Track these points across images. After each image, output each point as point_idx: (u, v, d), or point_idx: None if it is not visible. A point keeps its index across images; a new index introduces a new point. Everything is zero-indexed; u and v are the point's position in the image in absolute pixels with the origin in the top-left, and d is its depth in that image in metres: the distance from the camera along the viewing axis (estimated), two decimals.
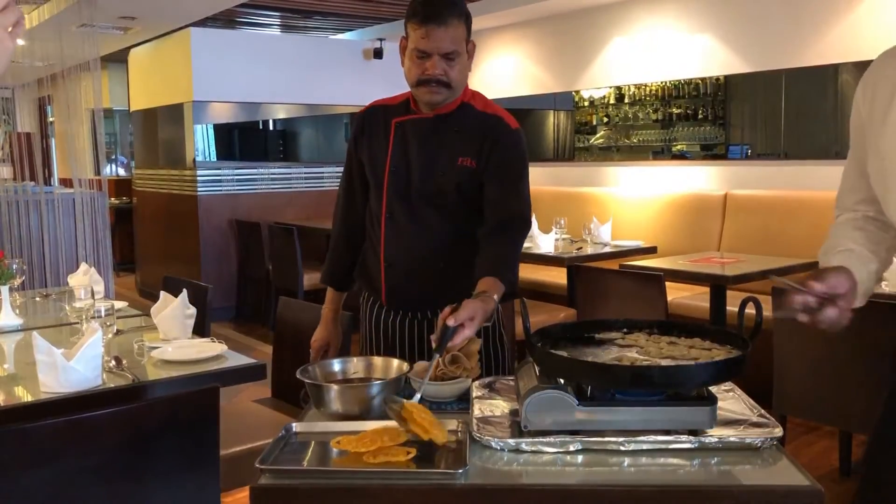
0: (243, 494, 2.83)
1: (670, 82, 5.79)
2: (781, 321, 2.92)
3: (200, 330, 2.89)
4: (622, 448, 1.34)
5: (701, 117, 5.68)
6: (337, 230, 2.23)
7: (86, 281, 3.09)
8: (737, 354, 1.40)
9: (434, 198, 2.00)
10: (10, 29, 1.00)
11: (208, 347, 2.45)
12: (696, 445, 1.34)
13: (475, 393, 1.61)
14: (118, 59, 8.22)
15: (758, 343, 1.46)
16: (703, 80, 5.59)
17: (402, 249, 2.03)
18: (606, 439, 1.34)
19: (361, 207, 2.15)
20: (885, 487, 1.26)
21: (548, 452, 1.35)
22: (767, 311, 1.49)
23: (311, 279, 5.98)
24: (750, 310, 1.43)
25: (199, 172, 6.63)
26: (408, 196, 2.01)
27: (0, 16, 1.00)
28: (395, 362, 1.66)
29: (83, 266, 3.34)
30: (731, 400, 1.54)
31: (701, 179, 5.48)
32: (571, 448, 1.35)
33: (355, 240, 2.19)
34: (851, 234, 1.52)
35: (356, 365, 1.68)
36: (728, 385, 1.60)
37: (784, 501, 1.24)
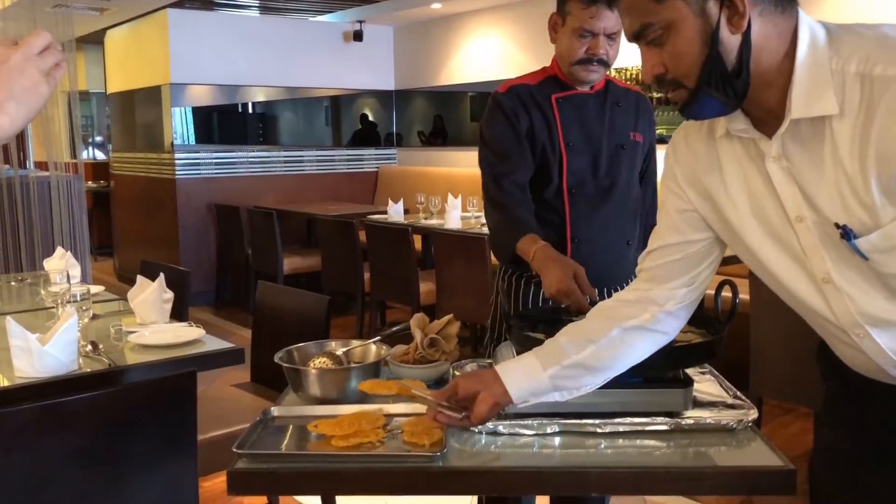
0: (222, 479, 2.82)
1: None
2: (757, 303, 2.95)
3: (179, 314, 2.87)
4: (599, 430, 1.35)
5: None
6: (508, 188, 2.00)
7: (62, 265, 3.05)
8: (712, 337, 1.41)
9: (621, 171, 2.03)
10: (48, 72, 0.95)
11: (186, 332, 2.44)
12: (672, 427, 1.35)
13: (453, 376, 1.61)
14: (94, 40, 8.09)
15: (735, 326, 1.47)
16: None
17: (593, 225, 2.02)
18: (583, 421, 1.35)
19: (529, 173, 2.03)
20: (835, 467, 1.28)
21: (525, 435, 1.36)
22: (744, 294, 1.50)
23: (290, 263, 5.96)
24: (727, 293, 1.44)
25: (177, 156, 6.57)
26: (595, 170, 2.02)
27: (39, 58, 0.94)
28: (374, 346, 1.66)
29: (59, 250, 3.30)
30: (707, 382, 1.55)
31: None
32: (549, 430, 1.36)
33: (529, 196, 2.04)
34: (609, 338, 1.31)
35: (335, 348, 1.68)
36: (704, 367, 1.62)
37: (758, 482, 1.26)
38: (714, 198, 1.23)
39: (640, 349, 1.32)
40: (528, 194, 2.02)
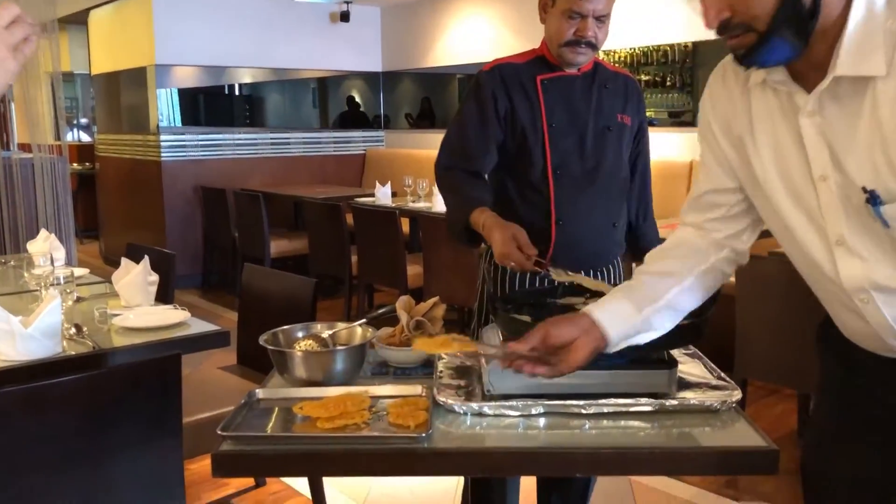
0: (208, 461, 2.82)
1: (639, 48, 5.78)
2: (743, 286, 2.96)
3: (164, 297, 2.86)
4: (584, 411, 1.35)
5: (669, 84, 5.69)
6: (461, 175, 2.03)
7: (45, 248, 3.03)
8: (697, 319, 1.41)
9: (607, 153, 2.03)
10: (17, 47, 0.90)
11: (171, 314, 2.43)
12: (657, 408, 1.35)
13: (439, 358, 1.61)
14: (78, 21, 7.98)
15: (720, 308, 1.47)
16: (671, 46, 5.58)
17: (578, 206, 2.01)
18: (568, 402, 1.35)
19: (490, 165, 2.06)
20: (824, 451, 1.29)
21: (510, 416, 1.36)
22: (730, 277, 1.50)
23: (277, 246, 5.94)
24: None
25: (162, 138, 6.52)
26: (581, 152, 2.01)
27: (6, 32, 0.89)
28: (360, 329, 1.65)
29: (43, 233, 3.28)
30: (691, 364, 1.56)
31: (668, 146, 5.50)
32: (534, 412, 1.36)
33: (485, 181, 2.07)
34: (676, 264, 1.34)
35: (321, 331, 1.67)
36: (689, 349, 1.62)
37: (741, 462, 1.27)
38: (743, 145, 1.22)
39: (710, 289, 1.35)
40: (483, 180, 2.04)
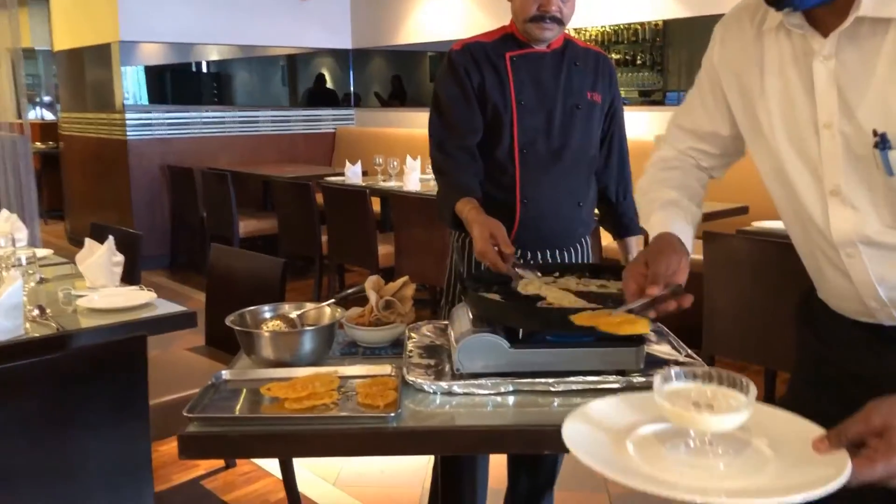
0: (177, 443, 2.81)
1: (610, 27, 5.78)
2: (711, 264, 2.99)
3: (130, 278, 2.82)
4: (552, 389, 1.35)
5: (640, 63, 5.70)
6: (454, 154, 2.01)
7: (7, 228, 2.96)
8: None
9: (574, 132, 2.01)
10: None
11: (137, 295, 2.39)
12: (624, 385, 1.36)
13: (409, 337, 1.61)
14: None
15: (688, 285, 1.48)
16: (641, 25, 5.59)
17: (543, 185, 1.99)
18: (536, 380, 1.36)
19: (477, 137, 2.03)
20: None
21: (480, 394, 1.36)
22: (696, 254, 1.51)
23: (246, 226, 5.88)
24: None
25: (128, 116, 6.41)
26: (548, 130, 1.99)
27: None
28: (328, 309, 1.64)
29: (4, 213, 3.21)
30: (659, 341, 1.57)
31: (639, 125, 5.52)
32: (503, 389, 1.36)
33: (478, 160, 2.03)
34: (679, 181, 1.41)
35: (288, 311, 1.65)
36: (656, 326, 1.63)
37: None
38: (747, 92, 1.23)
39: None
40: (477, 158, 2.01)
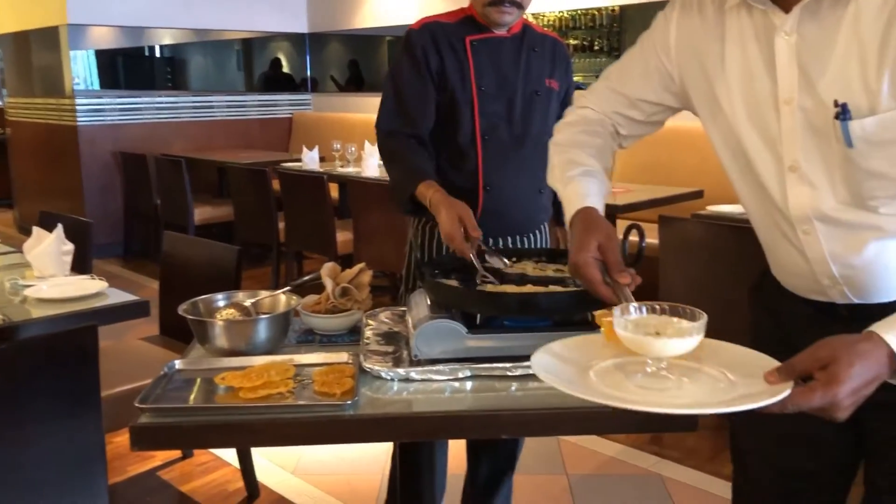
0: None
1: (567, 12, 5.79)
2: (666, 248, 3.02)
3: (81, 267, 2.76)
4: (509, 373, 1.35)
5: (597, 49, 5.73)
6: (405, 141, 1.99)
7: None
8: None
9: (534, 118, 1.99)
10: None
11: (87, 285, 2.34)
12: None
13: (366, 325, 1.60)
14: None
15: (643, 270, 1.49)
16: (598, 10, 5.61)
17: (505, 172, 1.97)
18: (494, 365, 1.36)
19: (430, 125, 2.00)
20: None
21: (438, 380, 1.35)
22: (651, 238, 1.52)
23: (201, 213, 5.79)
24: (634, 237, 1.45)
25: (78, 102, 6.25)
26: (509, 117, 1.97)
27: None
28: (283, 297, 1.62)
29: None
30: None
31: None
32: (461, 375, 1.36)
33: (429, 149, 2.01)
34: (599, 150, 1.38)
35: (243, 299, 1.63)
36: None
37: (662, 420, 1.28)
38: (706, 71, 1.24)
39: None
40: (427, 147, 1.99)
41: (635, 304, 1.06)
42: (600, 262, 1.17)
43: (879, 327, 0.97)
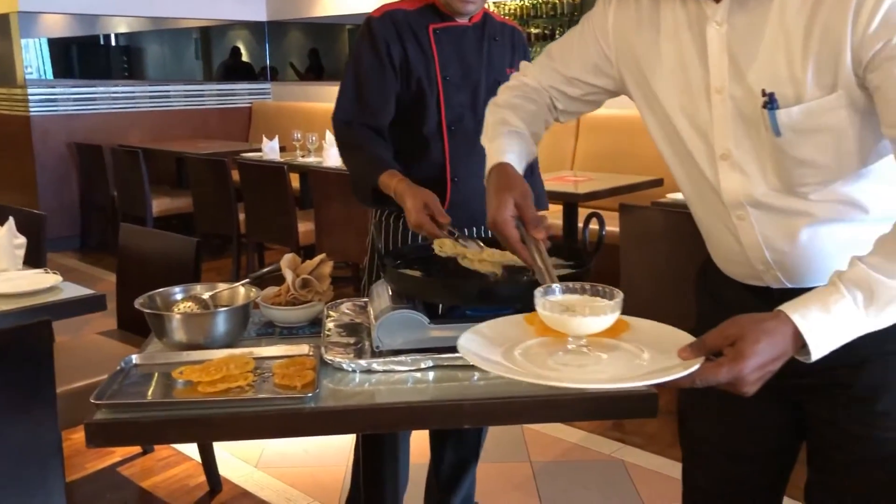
0: None
1: (528, 1, 5.79)
2: (627, 235, 3.05)
3: (35, 261, 2.70)
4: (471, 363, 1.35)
5: (558, 37, 5.74)
6: (363, 131, 1.95)
7: None
8: (580, 269, 1.43)
9: None
10: None
11: (41, 279, 2.29)
12: None
13: (328, 316, 1.58)
14: None
15: (604, 258, 1.50)
16: None
17: (472, 163, 1.92)
18: (456, 355, 1.35)
19: (389, 117, 1.97)
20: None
21: (399, 371, 1.35)
22: (612, 227, 1.53)
23: (159, 205, 5.70)
24: (594, 225, 1.46)
25: (31, 91, 6.10)
26: (474, 107, 1.94)
27: None
28: (242, 289, 1.60)
29: None
30: None
31: None
32: (423, 365, 1.35)
33: (387, 139, 1.98)
34: (531, 116, 1.42)
35: (201, 292, 1.60)
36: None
37: (623, 407, 1.30)
38: (641, 59, 1.25)
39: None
40: (386, 138, 1.97)
41: (558, 284, 1.10)
42: (517, 220, 1.24)
43: (787, 306, 1.00)
